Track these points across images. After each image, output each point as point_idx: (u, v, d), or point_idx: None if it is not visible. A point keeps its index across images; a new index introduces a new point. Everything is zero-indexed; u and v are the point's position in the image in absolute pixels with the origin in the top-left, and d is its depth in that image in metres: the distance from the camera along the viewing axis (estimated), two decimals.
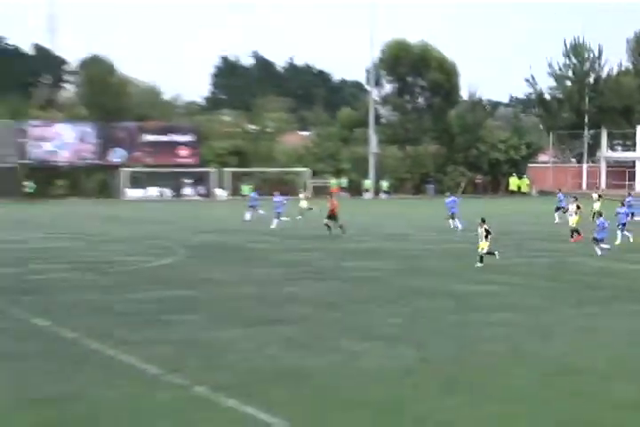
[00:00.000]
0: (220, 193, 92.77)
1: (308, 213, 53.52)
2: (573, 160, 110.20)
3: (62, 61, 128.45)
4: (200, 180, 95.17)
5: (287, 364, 16.41)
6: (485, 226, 31.59)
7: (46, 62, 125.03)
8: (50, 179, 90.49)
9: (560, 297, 24.89)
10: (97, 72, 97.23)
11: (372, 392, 14.50)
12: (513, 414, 13.27)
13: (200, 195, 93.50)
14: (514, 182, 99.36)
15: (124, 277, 28.91)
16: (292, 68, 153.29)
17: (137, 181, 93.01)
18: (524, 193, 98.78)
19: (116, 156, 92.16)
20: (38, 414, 13.22)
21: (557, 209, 52.61)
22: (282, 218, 50.17)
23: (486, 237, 31.41)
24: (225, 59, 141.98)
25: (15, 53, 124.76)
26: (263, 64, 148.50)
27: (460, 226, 46.72)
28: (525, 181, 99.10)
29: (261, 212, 54.43)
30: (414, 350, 17.58)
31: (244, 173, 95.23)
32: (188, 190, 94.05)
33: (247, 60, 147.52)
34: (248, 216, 54.86)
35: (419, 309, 22.55)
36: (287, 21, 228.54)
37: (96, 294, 25.19)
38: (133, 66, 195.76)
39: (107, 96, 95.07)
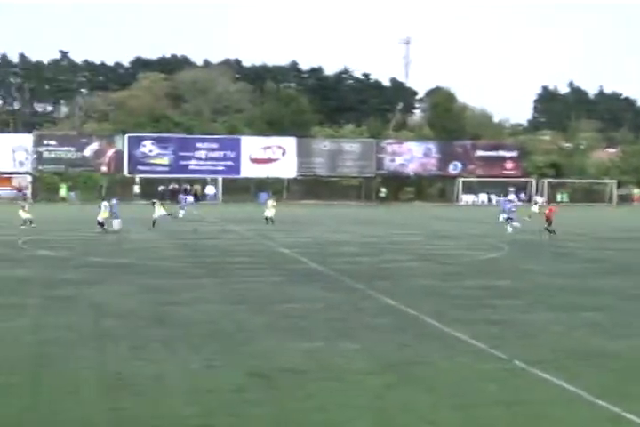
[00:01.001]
0: (539, 200, 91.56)
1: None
2: None
3: (413, 92, 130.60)
4: (522, 188, 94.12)
5: (593, 345, 15.88)
6: None
7: (400, 93, 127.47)
8: (400, 186, 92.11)
9: None
10: (440, 100, 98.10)
11: None
12: None
13: (521, 201, 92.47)
14: None
15: (457, 268, 28.92)
16: (601, 95, 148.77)
17: (469, 189, 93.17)
18: None
19: (454, 168, 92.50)
20: (386, 377, 13.45)
21: None
22: (514, 223, 46.18)
23: None
24: (545, 88, 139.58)
25: (376, 86, 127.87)
26: (577, 92, 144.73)
27: None
28: None
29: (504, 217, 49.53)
30: None
31: (558, 183, 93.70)
32: (511, 197, 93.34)
33: (563, 89, 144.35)
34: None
35: None
36: (598, 54, 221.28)
37: (434, 280, 25.36)
38: (469, 93, 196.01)
39: (448, 119, 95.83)
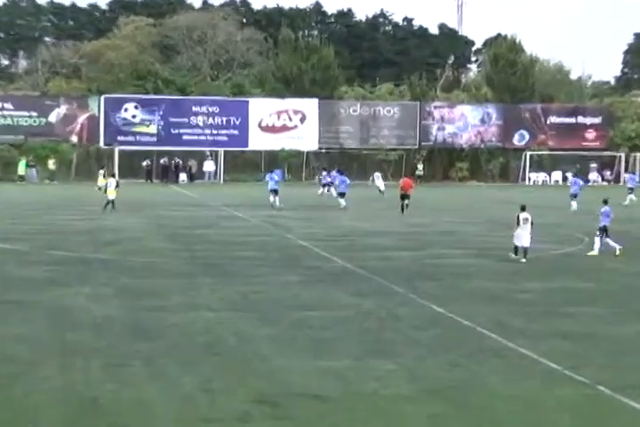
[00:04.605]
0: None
1: None
2: None
3: (468, 41, 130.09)
4: (607, 164, 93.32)
5: None
6: (519, 214, 30.38)
7: (451, 43, 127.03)
8: (451, 162, 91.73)
9: None
10: (502, 51, 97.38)
11: None
12: None
13: (606, 180, 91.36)
14: None
15: (524, 266, 28.77)
16: None
17: (539, 165, 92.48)
18: None
19: (520, 139, 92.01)
20: (432, 406, 13.38)
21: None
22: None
23: (517, 224, 30.07)
24: (638, 35, 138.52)
25: (421, 34, 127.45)
26: None
27: None
28: None
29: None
30: None
31: None
32: (593, 175, 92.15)
33: None
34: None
35: None
36: None
37: (493, 281, 25.28)
38: (540, 43, 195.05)
39: (512, 76, 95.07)
